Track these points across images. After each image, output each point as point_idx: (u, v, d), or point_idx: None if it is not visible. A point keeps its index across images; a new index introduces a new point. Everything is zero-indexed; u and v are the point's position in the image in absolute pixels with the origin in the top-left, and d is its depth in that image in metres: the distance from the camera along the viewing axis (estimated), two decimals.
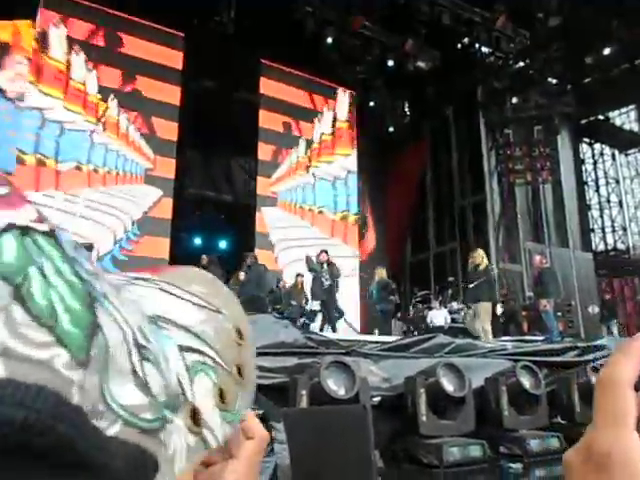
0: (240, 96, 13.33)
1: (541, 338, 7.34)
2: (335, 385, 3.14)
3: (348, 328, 12.01)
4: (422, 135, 15.96)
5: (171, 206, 11.69)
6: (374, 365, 3.80)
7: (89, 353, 0.21)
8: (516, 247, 14.09)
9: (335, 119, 14.87)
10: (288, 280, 10.50)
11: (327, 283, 8.73)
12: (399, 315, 11.93)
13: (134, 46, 11.75)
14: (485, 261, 7.50)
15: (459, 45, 13.87)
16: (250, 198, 13.25)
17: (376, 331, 9.38)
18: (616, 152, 16.38)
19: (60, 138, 10.54)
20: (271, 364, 3.49)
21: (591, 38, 12.98)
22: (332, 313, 8.86)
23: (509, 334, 9.31)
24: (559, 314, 10.01)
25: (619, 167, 16.29)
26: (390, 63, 13.88)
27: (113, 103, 11.36)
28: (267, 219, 13.07)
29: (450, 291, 12.27)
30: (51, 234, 0.22)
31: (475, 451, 3.32)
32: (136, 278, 0.31)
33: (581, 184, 16.13)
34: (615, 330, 10.84)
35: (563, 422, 3.90)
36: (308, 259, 8.86)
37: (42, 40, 10.55)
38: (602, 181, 16.37)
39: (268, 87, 13.52)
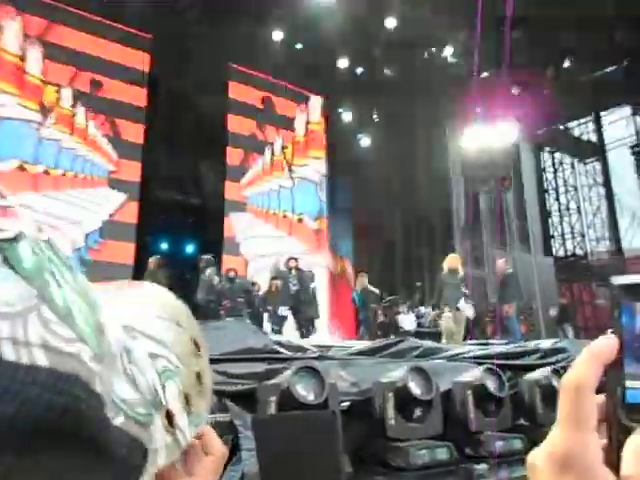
0: (208, 100, 13.23)
1: (504, 341, 7.50)
2: (304, 390, 3.13)
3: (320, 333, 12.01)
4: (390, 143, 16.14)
5: (136, 210, 11.46)
6: (343, 370, 3.81)
7: (102, 349, 0.24)
8: (480, 253, 14.41)
9: (306, 124, 14.90)
10: (263, 285, 10.48)
11: (294, 289, 8.74)
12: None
13: (98, 46, 11.50)
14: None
15: (425, 55, 14.13)
16: (218, 202, 13.13)
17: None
18: (575, 161, 17.00)
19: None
20: (239, 370, 3.46)
21: (551, 51, 13.44)
22: (300, 318, 8.86)
23: (474, 338, 9.49)
24: (521, 317, 10.27)
25: (578, 175, 16.91)
26: (359, 70, 14.04)
27: (67, 92, 10.97)
28: (236, 224, 12.97)
29: (418, 295, 12.44)
30: (49, 242, 0.24)
31: (442, 454, 3.36)
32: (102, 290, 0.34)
33: (542, 192, 16.65)
34: (570, 333, 11.19)
35: (526, 424, 3.99)
36: (274, 267, 8.89)
37: None
38: (562, 189, 16.95)
39: (236, 91, 13.46)
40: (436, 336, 9.65)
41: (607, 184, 16.18)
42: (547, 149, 17.06)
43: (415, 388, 3.50)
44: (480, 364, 4.15)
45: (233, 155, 13.31)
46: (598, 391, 0.33)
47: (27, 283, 0.22)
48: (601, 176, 16.39)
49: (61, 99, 10.87)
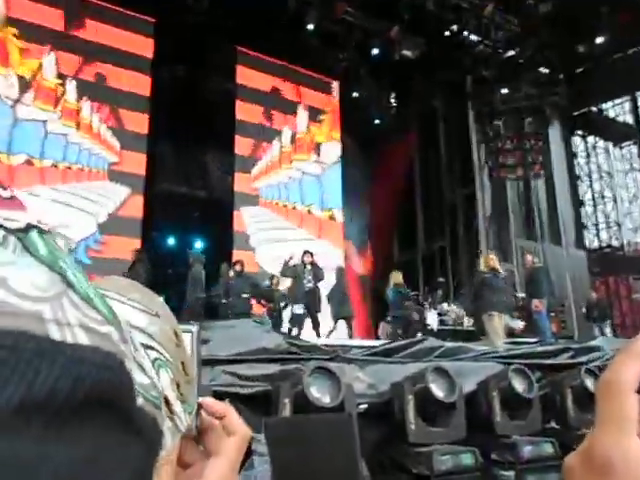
0: (215, 86, 13.26)
1: (534, 340, 7.45)
2: (319, 392, 3.16)
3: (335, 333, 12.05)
4: (409, 127, 16.08)
5: (142, 204, 11.58)
6: (360, 371, 3.83)
7: (122, 333, 0.27)
8: (507, 244, 14.27)
9: (317, 110, 14.89)
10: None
11: (309, 285, 8.77)
12: (388, 318, 12.02)
13: (100, 32, 11.60)
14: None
15: (447, 32, 13.99)
16: (227, 195, 13.20)
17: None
18: (610, 145, 16.70)
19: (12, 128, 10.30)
20: (251, 372, 3.49)
21: (583, 25, 13.20)
22: (316, 317, 8.89)
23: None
24: (552, 314, 10.18)
25: (613, 160, 16.62)
26: (375, 51, 13.95)
27: (71, 86, 11.14)
28: (246, 217, 13.03)
29: (440, 292, 12.38)
30: (51, 233, 0.27)
31: (467, 459, 3.36)
32: None
33: (574, 178, 16.41)
34: (608, 331, 11.06)
35: (556, 427, 3.97)
36: (285, 264, 8.89)
37: None
38: (595, 175, 16.68)
39: (245, 76, 13.47)
40: (460, 335, 9.65)
41: None
42: (579, 132, 16.80)
43: (437, 390, 3.51)
44: (507, 364, 4.14)
45: (242, 144, 13.35)
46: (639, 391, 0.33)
47: (49, 269, 0.25)
48: (638, 161, 16.09)
49: (66, 92, 11.04)
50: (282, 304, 9.33)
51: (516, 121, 14.80)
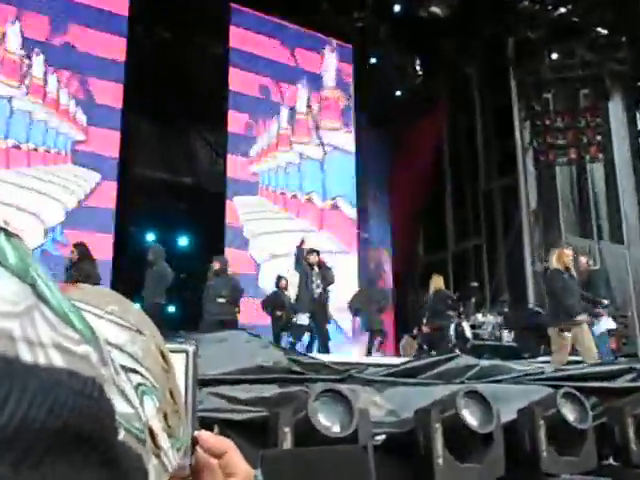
0: (204, 51, 13.29)
1: None
2: (327, 420, 3.16)
3: (344, 348, 12.07)
4: (438, 101, 16.02)
5: (115, 193, 11.63)
6: (377, 394, 3.83)
7: (102, 354, 0.27)
8: (557, 244, 14.20)
9: (327, 80, 14.88)
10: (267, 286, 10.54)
11: (318, 291, 8.78)
12: (414, 332, 12.03)
13: None
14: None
15: None
16: (218, 182, 13.23)
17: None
18: None
19: None
20: (245, 394, 3.50)
21: None
22: (325, 328, 8.91)
23: (547, 353, 9.39)
24: None
25: None
26: (397, 8, 13.91)
27: (39, 59, 11.26)
28: (241, 209, 13.07)
29: (474, 300, 12.35)
30: (18, 236, 0.27)
31: None
32: None
33: (639, 162, 16.28)
34: None
35: (615, 464, 3.96)
36: (298, 251, 8.93)
37: None
38: None
39: (240, 39, 13.49)
40: (499, 351, 9.62)
41: None
42: None
43: (470, 418, 3.50)
44: (555, 387, 4.12)
45: (237, 121, 13.38)
46: None
47: (19, 280, 0.25)
48: None
49: (33, 63, 11.16)
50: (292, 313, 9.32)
51: (569, 93, 14.71)
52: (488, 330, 11.24)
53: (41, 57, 11.32)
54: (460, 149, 15.99)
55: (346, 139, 14.96)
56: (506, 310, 11.71)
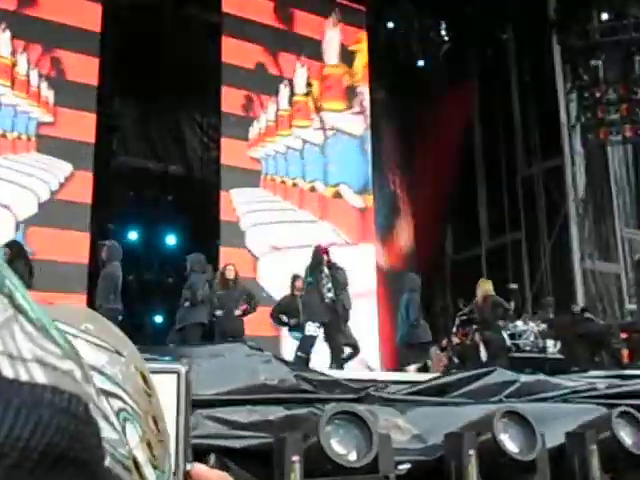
0: (193, 18, 13.30)
1: None
2: (342, 447, 3.16)
3: (361, 363, 12.07)
4: (467, 72, 15.99)
5: (91, 185, 11.66)
6: (400, 416, 3.83)
7: (85, 371, 0.28)
8: (610, 237, 14.15)
9: (340, 48, 14.85)
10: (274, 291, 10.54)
11: (329, 295, 8.76)
12: (443, 343, 12.00)
13: None
14: None
15: None
16: (212, 171, 13.24)
17: (412, 367, 9.47)
18: None
19: None
20: (247, 418, 3.51)
21: None
22: (338, 340, 8.89)
23: (600, 366, 9.36)
24: None
25: None
26: None
27: (5, 36, 11.30)
28: (238, 202, 13.07)
29: (512, 304, 12.31)
30: None
31: None
32: None
33: None
34: None
35: None
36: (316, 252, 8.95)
37: None
38: None
39: (235, 4, 13.50)
40: (543, 365, 9.59)
41: None
42: None
43: (510, 443, 3.49)
44: (610, 405, 4.11)
45: (232, 98, 13.38)
46: None
47: None
48: None
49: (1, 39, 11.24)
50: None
51: (622, 60, 14.62)
52: (530, 340, 11.20)
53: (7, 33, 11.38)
54: (494, 128, 15.93)
55: (353, 121, 14.90)
56: (551, 316, 11.66)
